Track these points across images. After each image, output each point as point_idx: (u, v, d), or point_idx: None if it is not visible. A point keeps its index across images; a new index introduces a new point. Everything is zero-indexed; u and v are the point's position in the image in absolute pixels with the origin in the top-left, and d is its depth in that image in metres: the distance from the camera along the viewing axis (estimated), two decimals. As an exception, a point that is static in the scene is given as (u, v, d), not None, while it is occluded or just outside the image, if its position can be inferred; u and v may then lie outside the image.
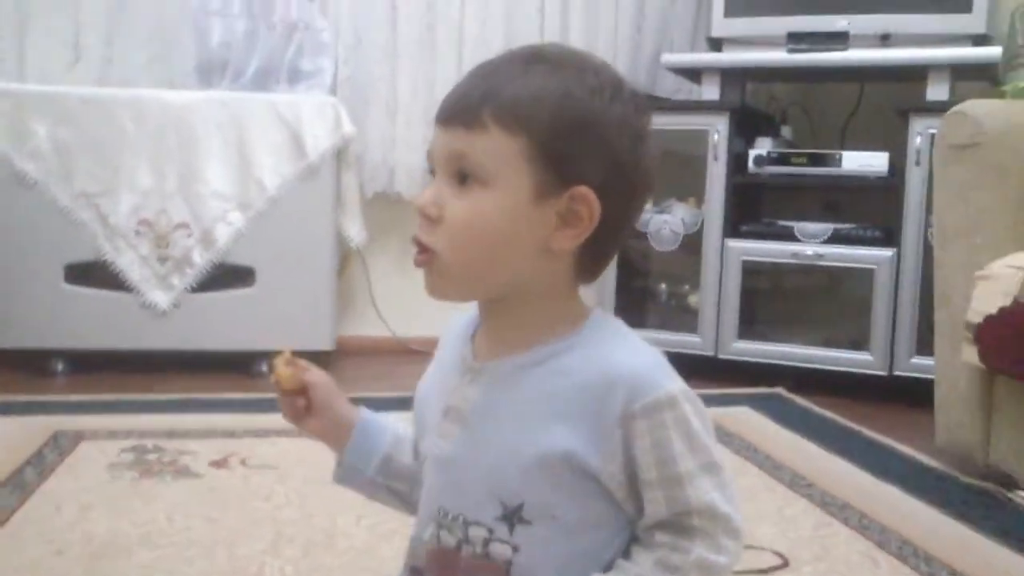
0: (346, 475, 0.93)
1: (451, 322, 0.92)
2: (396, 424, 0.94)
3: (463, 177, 0.76)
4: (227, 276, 2.61)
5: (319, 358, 2.67)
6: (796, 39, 2.53)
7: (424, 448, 0.86)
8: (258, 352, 2.60)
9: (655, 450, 0.74)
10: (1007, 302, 1.67)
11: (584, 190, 0.76)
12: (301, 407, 0.90)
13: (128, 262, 2.55)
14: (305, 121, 2.61)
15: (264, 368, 2.62)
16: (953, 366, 1.88)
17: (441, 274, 0.78)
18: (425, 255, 0.78)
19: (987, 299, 1.71)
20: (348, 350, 2.93)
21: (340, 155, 2.69)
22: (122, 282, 2.54)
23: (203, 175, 2.57)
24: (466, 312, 0.90)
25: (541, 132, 0.75)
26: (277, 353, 0.91)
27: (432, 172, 0.80)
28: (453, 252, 0.77)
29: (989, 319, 1.70)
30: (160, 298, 2.56)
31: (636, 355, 0.78)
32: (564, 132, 0.75)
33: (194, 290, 2.58)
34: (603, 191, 0.77)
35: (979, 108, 1.84)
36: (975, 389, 1.83)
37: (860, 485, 1.82)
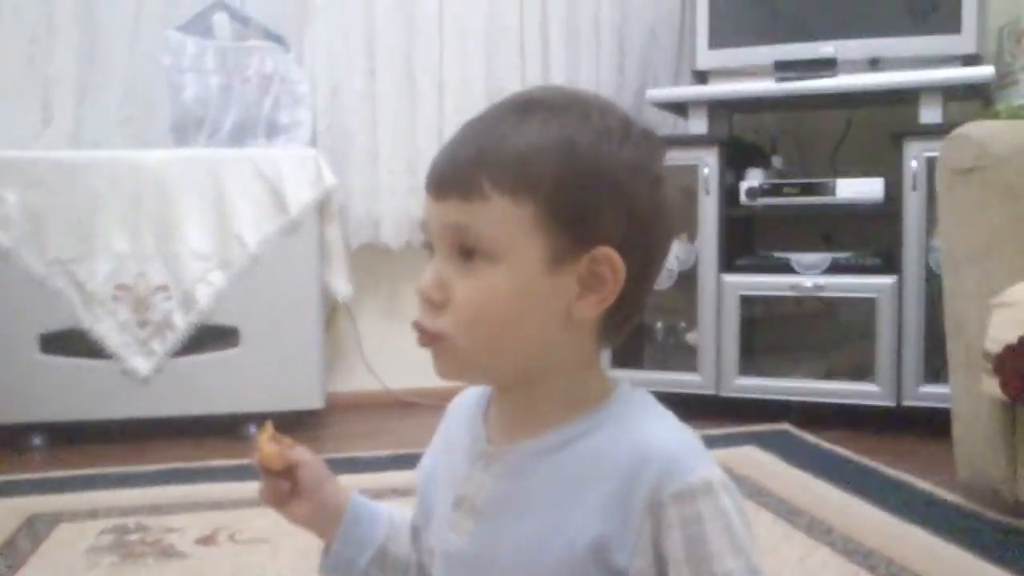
0: (335, 567, 0.84)
1: (458, 397, 0.83)
2: (391, 510, 0.86)
3: (467, 252, 0.67)
4: (210, 338, 2.52)
5: (309, 416, 2.61)
6: (783, 67, 2.48)
7: (431, 540, 0.77)
8: (245, 415, 2.51)
9: (688, 547, 0.64)
10: (1027, 329, 1.60)
11: (606, 251, 0.67)
12: (286, 490, 0.81)
13: (106, 329, 2.45)
14: (285, 175, 2.54)
15: (252, 430, 2.52)
16: (971, 397, 1.80)
17: (453, 359, 0.70)
18: (430, 339, 0.69)
19: (1006, 327, 1.64)
20: (339, 406, 2.84)
21: (323, 208, 2.61)
22: (100, 350, 2.45)
23: (182, 235, 2.48)
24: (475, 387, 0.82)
25: (548, 191, 0.66)
26: (263, 422, 0.83)
27: (428, 246, 0.71)
28: (464, 337, 0.68)
29: (1009, 348, 1.62)
30: (141, 364, 2.46)
31: (668, 434, 0.69)
32: (574, 187, 0.67)
33: (176, 354, 2.48)
34: (624, 247, 0.68)
35: (981, 130, 1.79)
36: (997, 421, 1.75)
37: (883, 527, 1.73)
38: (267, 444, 0.80)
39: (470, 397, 0.81)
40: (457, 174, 0.68)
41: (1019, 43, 2.57)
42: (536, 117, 0.68)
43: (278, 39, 2.66)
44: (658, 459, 0.66)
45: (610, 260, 0.68)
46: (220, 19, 2.59)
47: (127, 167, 2.47)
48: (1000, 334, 1.65)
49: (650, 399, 0.74)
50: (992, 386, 1.67)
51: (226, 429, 2.53)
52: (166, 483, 2.10)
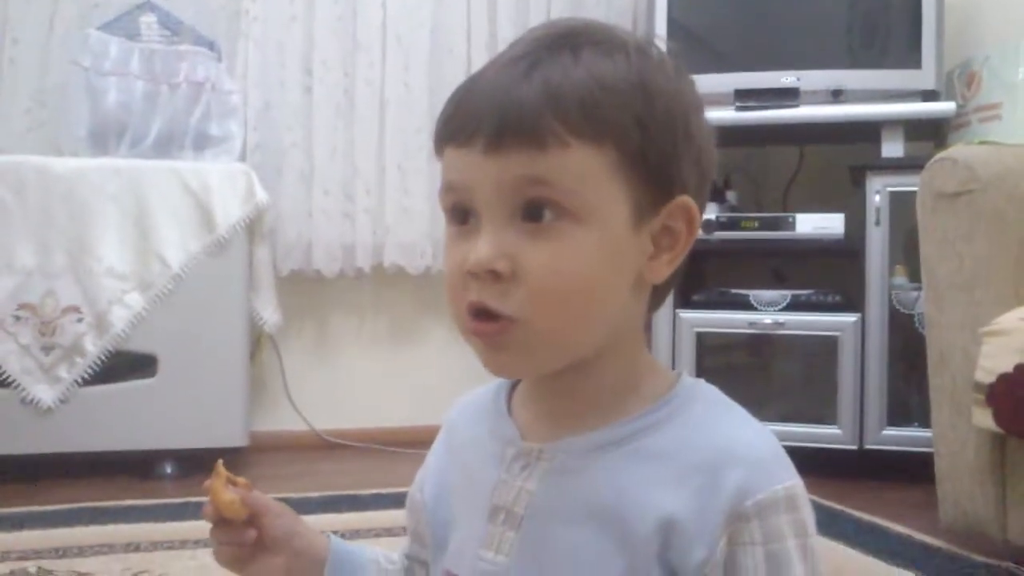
0: None
1: (458, 403, 0.71)
2: (377, 553, 0.72)
3: (538, 212, 0.56)
4: (125, 365, 2.27)
5: (231, 455, 2.38)
6: (744, 96, 2.41)
7: (455, 567, 0.63)
8: (161, 451, 2.28)
9: (769, 565, 0.55)
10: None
11: (686, 200, 0.60)
12: (250, 542, 0.66)
13: (5, 353, 2.19)
14: (214, 190, 2.34)
15: (168, 469, 2.28)
16: (956, 433, 1.71)
17: (524, 347, 0.57)
18: (498, 325, 0.56)
19: (999, 356, 1.55)
20: (262, 446, 2.61)
21: (252, 228, 2.42)
22: (-2, 376, 2.19)
23: (96, 251, 2.25)
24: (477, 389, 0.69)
25: (628, 136, 0.57)
26: (214, 464, 0.67)
27: (457, 213, 0.59)
28: (544, 317, 0.56)
29: (1003, 377, 1.54)
30: (44, 393, 2.20)
31: (752, 437, 0.60)
32: (654, 130, 0.58)
33: (85, 383, 2.23)
34: (694, 195, 0.61)
35: (967, 154, 1.72)
36: (985, 456, 1.66)
37: (872, 572, 1.61)
38: (223, 490, 0.65)
39: (479, 397, 0.69)
40: (523, 118, 0.55)
41: (969, 86, 2.56)
42: (593, 51, 0.58)
43: (210, 45, 2.48)
44: (742, 466, 0.56)
45: (688, 212, 0.61)
46: (148, 21, 2.40)
47: (35, 174, 2.23)
48: (993, 364, 1.56)
49: (720, 394, 0.65)
50: (984, 418, 1.58)
51: (139, 467, 2.28)
52: (72, 523, 1.85)
